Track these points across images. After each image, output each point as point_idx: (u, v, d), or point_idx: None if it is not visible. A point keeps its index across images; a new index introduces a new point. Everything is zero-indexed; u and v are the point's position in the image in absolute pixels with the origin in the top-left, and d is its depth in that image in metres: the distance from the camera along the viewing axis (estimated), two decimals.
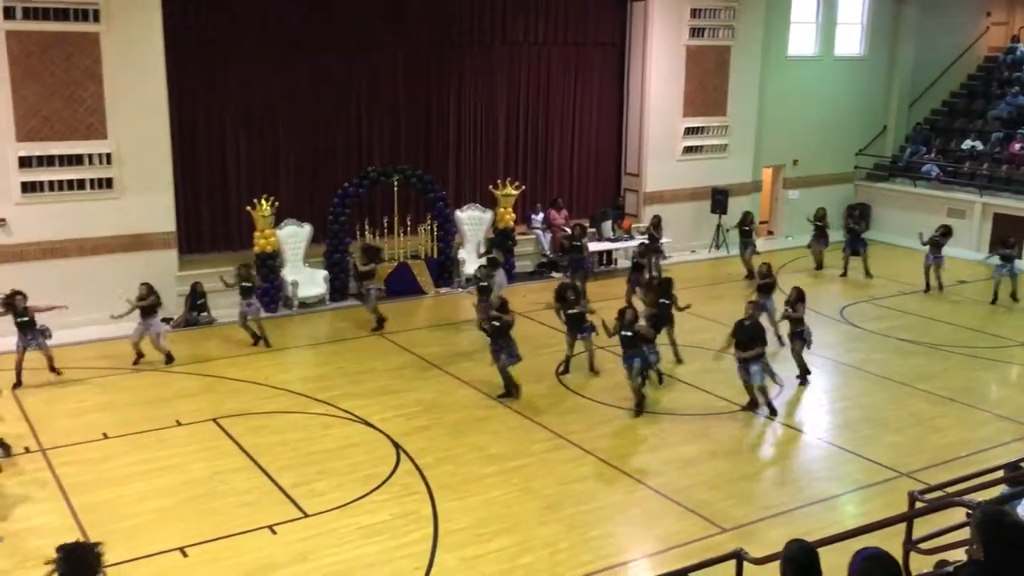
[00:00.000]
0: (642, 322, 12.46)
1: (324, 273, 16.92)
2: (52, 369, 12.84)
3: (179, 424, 11.56)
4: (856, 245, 19.25)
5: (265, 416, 11.88)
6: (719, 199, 20.99)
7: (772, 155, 22.73)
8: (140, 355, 13.52)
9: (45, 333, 12.65)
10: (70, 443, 10.93)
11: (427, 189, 17.88)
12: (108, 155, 15.00)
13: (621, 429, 11.71)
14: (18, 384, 12.44)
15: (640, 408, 11.98)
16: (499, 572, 8.42)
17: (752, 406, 12.13)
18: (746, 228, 19.05)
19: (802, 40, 23.03)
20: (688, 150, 21.19)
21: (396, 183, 17.51)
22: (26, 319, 12.49)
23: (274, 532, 9.02)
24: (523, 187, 18.97)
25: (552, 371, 13.42)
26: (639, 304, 13.85)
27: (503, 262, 16.53)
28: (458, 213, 18.54)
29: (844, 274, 19.32)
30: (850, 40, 23.91)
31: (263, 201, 16.12)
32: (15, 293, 12.52)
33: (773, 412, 12.00)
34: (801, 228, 22.23)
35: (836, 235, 20.55)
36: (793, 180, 23.13)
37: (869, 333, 15.79)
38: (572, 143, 21.04)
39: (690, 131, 21.10)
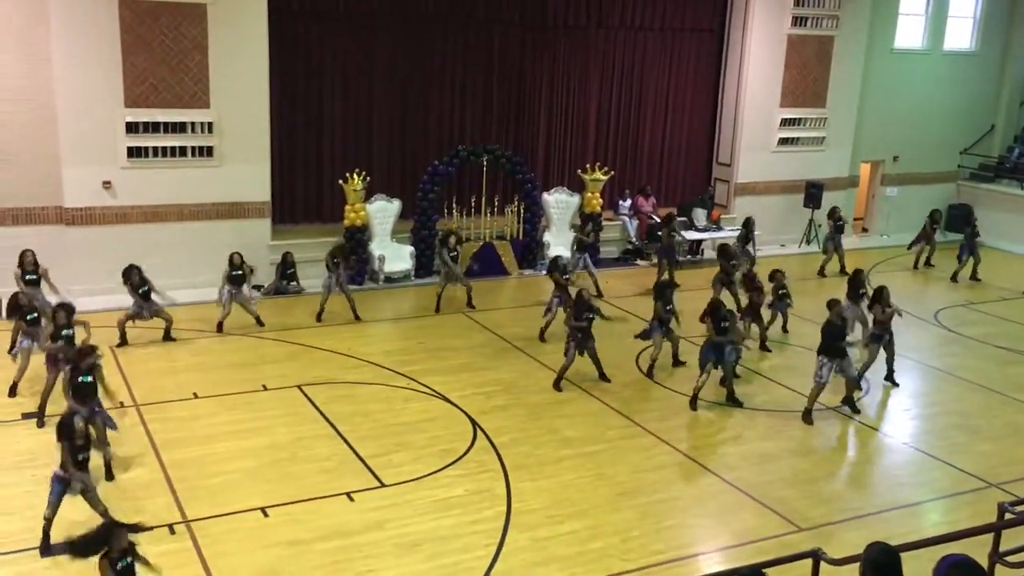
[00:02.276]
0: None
1: (411, 249, 17.14)
2: (168, 334, 13.33)
3: (265, 389, 11.89)
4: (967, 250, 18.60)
5: (347, 386, 12.13)
6: (813, 193, 20.51)
7: (871, 150, 22.09)
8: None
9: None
10: (162, 400, 11.37)
11: (516, 170, 17.93)
12: (210, 124, 15.44)
13: (697, 421, 11.59)
14: (122, 343, 12.99)
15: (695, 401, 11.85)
16: (570, 555, 8.45)
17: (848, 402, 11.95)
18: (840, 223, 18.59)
19: (910, 33, 22.26)
20: (783, 141, 20.73)
21: (485, 163, 17.61)
22: (147, 289, 12.99)
23: (351, 499, 9.23)
24: (612, 172, 18.86)
25: (632, 358, 13.31)
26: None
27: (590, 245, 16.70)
28: (545, 196, 18.54)
29: (955, 278, 18.64)
30: (961, 34, 23.00)
31: (355, 175, 16.39)
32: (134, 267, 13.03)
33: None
34: (899, 226, 21.62)
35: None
36: (892, 177, 22.45)
37: (964, 338, 15.24)
38: (664, 130, 20.79)
39: (787, 122, 20.64)
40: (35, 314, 11.54)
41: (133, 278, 12.92)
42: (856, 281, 13.83)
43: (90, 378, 9.51)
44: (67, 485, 8.05)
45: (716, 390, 12.11)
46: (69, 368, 9.58)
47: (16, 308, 11.87)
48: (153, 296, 13.05)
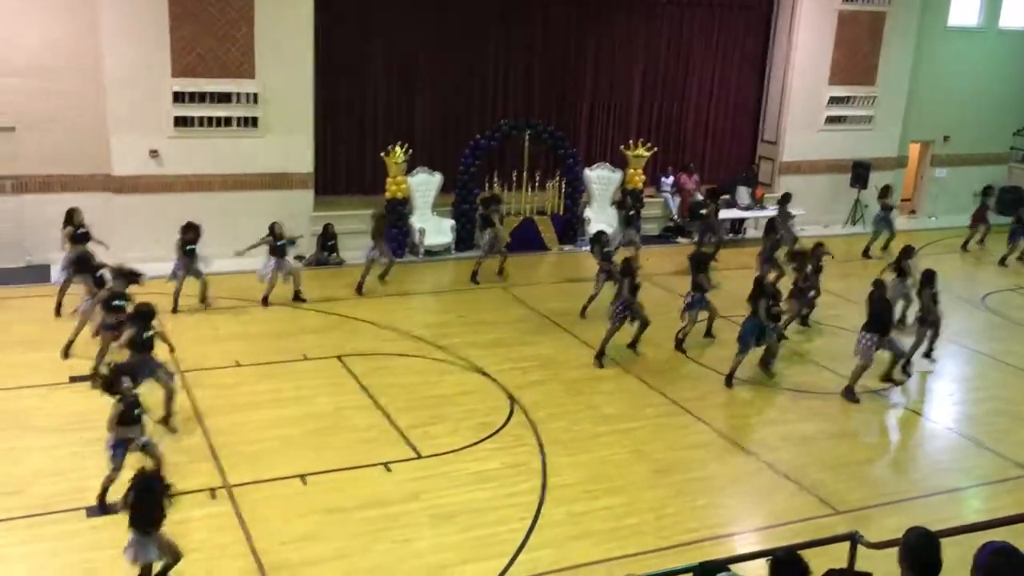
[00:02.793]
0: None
1: (451, 222, 17.18)
2: (204, 299, 13.55)
3: (306, 358, 12.03)
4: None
5: (386, 357, 12.22)
6: (860, 173, 20.18)
7: (921, 130, 21.66)
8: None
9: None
10: (206, 368, 11.54)
11: (558, 145, 17.85)
12: (255, 95, 15.57)
13: (736, 400, 11.53)
14: (175, 310, 13.24)
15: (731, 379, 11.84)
16: (604, 530, 8.47)
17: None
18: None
19: (964, 10, 21.71)
20: (831, 120, 20.40)
21: (527, 138, 17.54)
22: (193, 248, 13.24)
23: (389, 469, 9.32)
24: (655, 149, 18.70)
25: (671, 336, 13.21)
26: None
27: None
28: (587, 171, 18.45)
29: (1003, 262, 18.26)
30: (1018, 11, 22.38)
31: (397, 148, 16.43)
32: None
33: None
34: (947, 208, 21.23)
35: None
36: (942, 157, 21.99)
37: (1012, 323, 14.97)
38: (708, 108, 20.56)
39: (835, 100, 20.30)
40: (100, 272, 11.67)
41: (189, 235, 13.10)
42: (904, 257, 13.54)
43: (152, 333, 9.73)
44: (126, 448, 8.19)
45: (753, 369, 12.03)
46: (131, 325, 9.71)
47: (85, 264, 11.91)
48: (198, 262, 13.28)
